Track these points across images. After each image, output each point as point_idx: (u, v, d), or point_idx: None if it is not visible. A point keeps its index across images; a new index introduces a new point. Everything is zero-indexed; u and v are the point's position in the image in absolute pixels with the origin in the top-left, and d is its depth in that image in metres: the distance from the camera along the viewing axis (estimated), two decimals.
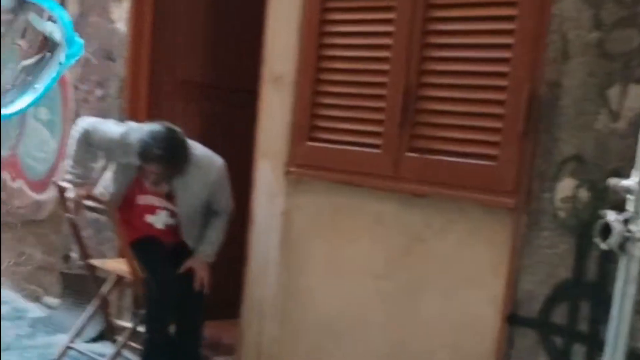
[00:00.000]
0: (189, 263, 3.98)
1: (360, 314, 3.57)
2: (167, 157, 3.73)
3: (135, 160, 3.78)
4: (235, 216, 4.07)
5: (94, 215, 4.56)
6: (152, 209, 3.99)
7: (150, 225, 4.00)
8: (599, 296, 2.75)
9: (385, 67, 3.44)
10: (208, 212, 4.03)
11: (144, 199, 3.99)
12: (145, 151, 3.72)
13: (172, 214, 3.99)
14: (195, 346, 4.08)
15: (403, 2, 3.37)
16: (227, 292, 4.23)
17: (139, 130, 3.80)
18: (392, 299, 3.45)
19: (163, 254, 4.01)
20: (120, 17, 4.73)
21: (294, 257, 3.81)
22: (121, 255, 4.20)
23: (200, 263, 3.99)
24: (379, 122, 3.46)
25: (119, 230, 3.98)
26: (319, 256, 3.72)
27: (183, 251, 4.00)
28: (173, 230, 4.03)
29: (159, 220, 4.00)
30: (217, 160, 3.97)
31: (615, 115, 2.82)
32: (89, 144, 3.94)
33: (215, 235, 4.03)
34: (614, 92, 2.82)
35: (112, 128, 3.94)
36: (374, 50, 3.50)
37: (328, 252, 3.68)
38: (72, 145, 3.99)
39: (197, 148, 3.92)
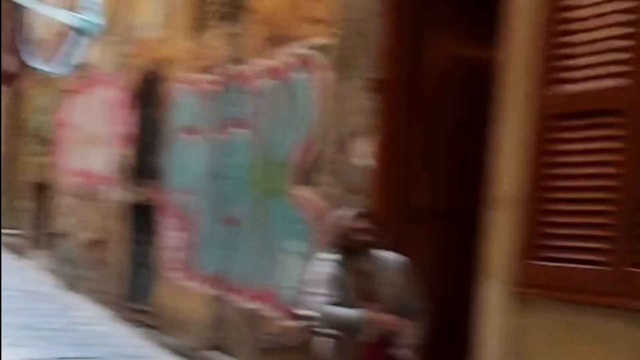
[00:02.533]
0: (398, 351, 4.06)
1: None
2: (364, 210, 4.34)
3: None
4: (464, 338, 4.06)
5: None
6: None
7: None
8: None
9: (612, 183, 3.34)
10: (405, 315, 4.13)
11: None
12: (345, 214, 4.25)
13: None
14: None
15: (631, 118, 3.29)
16: None
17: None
18: None
19: None
20: (364, 153, 4.97)
21: None
22: None
23: (409, 350, 4.07)
24: (606, 238, 3.33)
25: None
26: None
27: None
28: (380, 342, 4.10)
29: (370, 331, 4.07)
30: (400, 255, 4.22)
31: None
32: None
33: (418, 329, 4.12)
34: None
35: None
36: (600, 167, 3.42)
37: None
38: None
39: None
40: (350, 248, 4.19)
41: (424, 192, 4.93)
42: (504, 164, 3.83)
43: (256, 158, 6.11)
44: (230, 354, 6.32)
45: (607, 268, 3.29)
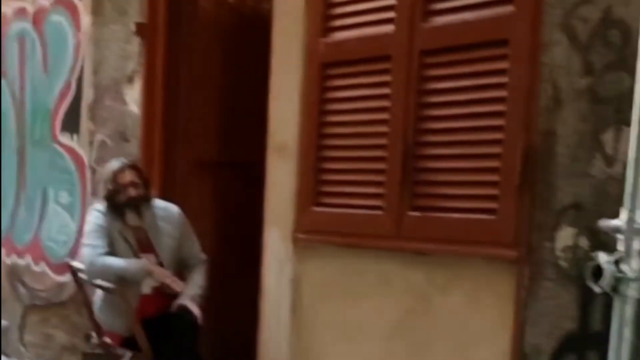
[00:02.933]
0: (179, 302, 4.00)
1: None
2: (132, 162, 4.20)
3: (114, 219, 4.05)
4: (252, 288, 4.10)
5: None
6: None
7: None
8: (605, 346, 2.66)
9: (384, 128, 3.45)
10: (185, 267, 4.19)
11: None
12: (113, 168, 4.09)
13: None
14: None
15: (398, 64, 3.40)
16: None
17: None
18: None
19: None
20: (133, 99, 4.82)
21: (305, 324, 3.78)
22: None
23: (191, 301, 4.01)
24: (380, 183, 3.45)
25: (129, 308, 3.97)
26: (329, 321, 3.68)
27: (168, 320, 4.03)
28: (159, 291, 4.06)
29: (146, 284, 4.02)
30: (175, 206, 4.23)
31: (610, 160, 2.79)
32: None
33: (198, 279, 4.14)
34: (607, 137, 2.79)
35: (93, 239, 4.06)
36: (373, 113, 3.52)
37: (337, 316, 3.64)
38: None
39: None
40: (122, 200, 4.08)
41: (200, 143, 4.84)
42: (282, 113, 3.85)
43: (14, 105, 5.74)
44: None
45: (384, 212, 3.42)
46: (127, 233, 4.08)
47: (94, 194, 5.06)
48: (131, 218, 4.08)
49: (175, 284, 4.03)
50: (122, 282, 3.97)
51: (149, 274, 3.99)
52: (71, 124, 5.28)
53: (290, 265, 3.81)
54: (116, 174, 4.08)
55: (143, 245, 4.11)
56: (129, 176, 4.08)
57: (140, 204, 4.08)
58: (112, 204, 4.08)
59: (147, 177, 4.22)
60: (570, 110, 2.88)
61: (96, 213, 4.12)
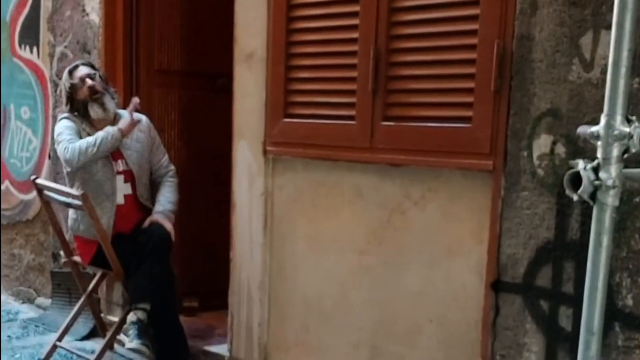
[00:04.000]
0: (151, 218, 3.99)
1: (345, 290, 3.46)
2: (85, 61, 4.24)
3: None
4: (222, 202, 4.02)
5: None
6: None
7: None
8: (582, 255, 2.63)
9: (355, 35, 3.32)
10: (155, 179, 4.17)
11: None
12: (67, 69, 4.10)
13: (127, 178, 4.01)
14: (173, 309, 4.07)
15: None
16: (220, 281, 4.16)
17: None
18: (375, 274, 3.34)
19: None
20: (94, 9, 4.64)
21: (277, 238, 3.71)
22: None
23: (163, 217, 3.99)
24: (351, 92, 3.34)
25: (97, 222, 3.86)
26: (302, 235, 3.61)
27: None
28: (132, 203, 4.01)
29: (120, 192, 3.98)
30: (143, 115, 4.17)
31: (588, 65, 2.70)
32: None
33: (170, 195, 4.11)
34: (585, 41, 2.69)
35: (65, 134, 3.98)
36: (343, 19, 3.38)
37: (310, 230, 3.58)
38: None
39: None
40: (83, 96, 4.01)
41: (164, 53, 4.68)
42: (249, 20, 3.70)
43: None
44: None
45: (356, 123, 3.32)
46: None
47: (57, 107, 4.92)
48: (96, 112, 4.01)
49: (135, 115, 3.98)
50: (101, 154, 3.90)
51: (120, 132, 3.91)
52: (30, 36, 5.09)
53: (261, 178, 3.72)
54: (71, 71, 4.09)
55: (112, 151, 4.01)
56: (84, 70, 4.07)
57: (101, 95, 4.01)
58: (75, 104, 4.04)
59: (105, 74, 4.21)
60: (547, 13, 2.77)
61: (64, 119, 4.06)
